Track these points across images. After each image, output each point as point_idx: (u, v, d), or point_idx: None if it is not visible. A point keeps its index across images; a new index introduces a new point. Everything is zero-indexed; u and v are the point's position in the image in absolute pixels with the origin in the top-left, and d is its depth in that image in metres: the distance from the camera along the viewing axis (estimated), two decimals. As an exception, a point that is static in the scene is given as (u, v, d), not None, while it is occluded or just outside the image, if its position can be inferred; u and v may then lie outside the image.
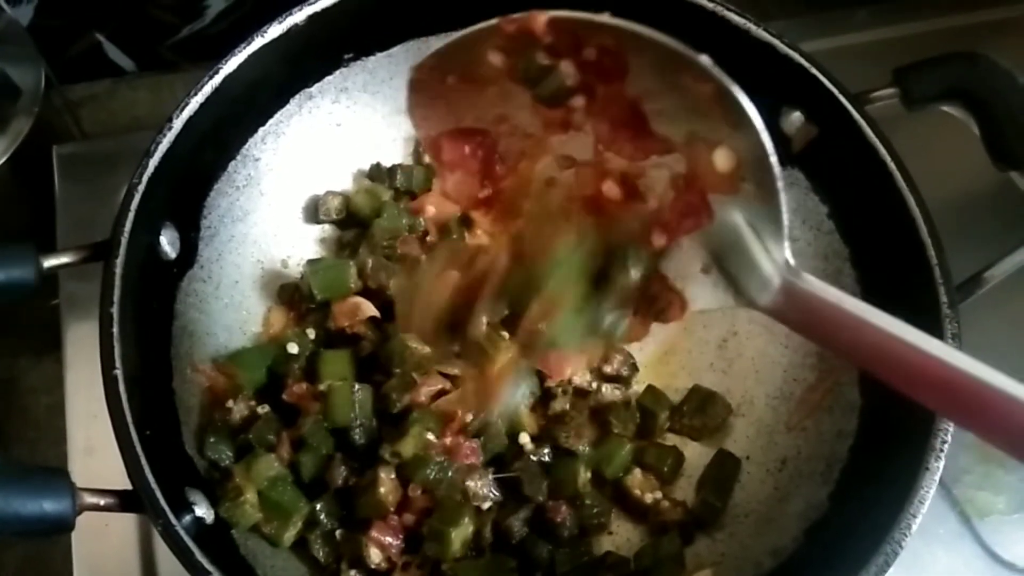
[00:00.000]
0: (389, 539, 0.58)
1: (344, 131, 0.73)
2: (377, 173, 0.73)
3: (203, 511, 0.53)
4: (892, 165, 0.62)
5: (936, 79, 0.66)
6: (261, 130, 0.68)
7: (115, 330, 0.52)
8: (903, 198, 0.61)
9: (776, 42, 0.66)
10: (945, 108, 0.66)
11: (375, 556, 0.58)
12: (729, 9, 0.67)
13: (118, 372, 0.51)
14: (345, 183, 0.74)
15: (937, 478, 0.53)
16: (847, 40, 0.94)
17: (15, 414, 0.85)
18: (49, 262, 0.54)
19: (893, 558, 0.51)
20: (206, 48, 0.97)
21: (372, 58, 0.72)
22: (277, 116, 0.69)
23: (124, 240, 0.55)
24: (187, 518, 0.51)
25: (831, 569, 0.54)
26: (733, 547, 0.63)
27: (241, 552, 0.55)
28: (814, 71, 0.65)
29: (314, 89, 0.70)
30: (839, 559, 0.54)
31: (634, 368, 0.71)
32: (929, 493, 0.52)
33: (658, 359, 0.72)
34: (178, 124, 0.59)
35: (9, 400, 0.86)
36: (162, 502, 0.48)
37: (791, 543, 0.60)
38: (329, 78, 0.71)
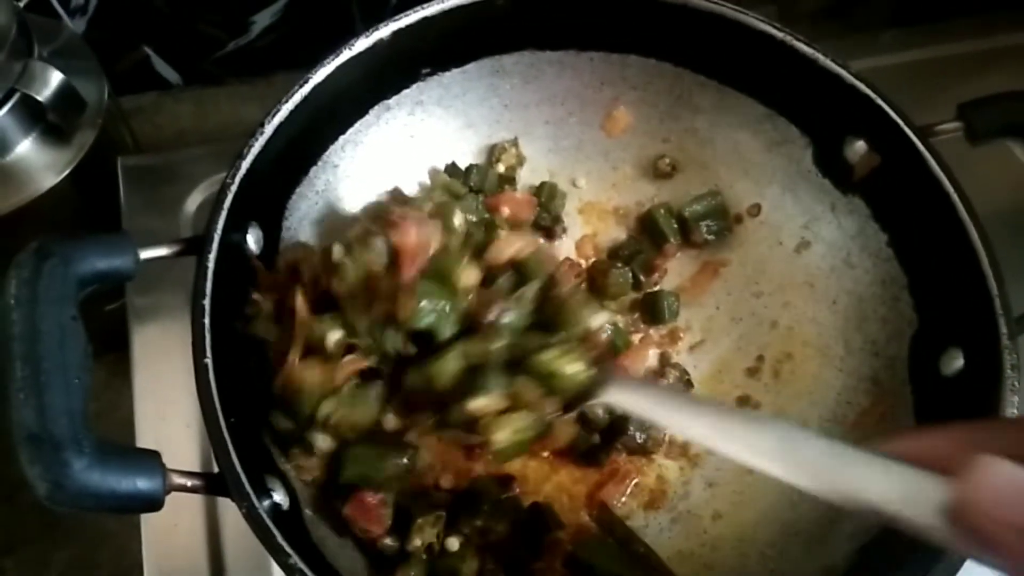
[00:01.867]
0: None
1: (417, 142, 0.76)
2: (454, 171, 0.76)
3: (280, 497, 0.55)
4: (955, 197, 0.63)
5: (999, 115, 0.67)
6: (341, 138, 0.71)
7: (207, 321, 0.55)
8: (965, 229, 0.62)
9: (843, 72, 0.68)
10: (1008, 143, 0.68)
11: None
12: (797, 39, 0.69)
13: (208, 361, 0.54)
14: (415, 191, 0.76)
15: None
16: (870, 63, 0.93)
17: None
18: (146, 254, 0.57)
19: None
20: (250, 63, 1.00)
21: (448, 74, 0.74)
22: (356, 125, 0.72)
23: (217, 236, 0.58)
24: (266, 503, 0.53)
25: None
26: (783, 564, 0.64)
27: (312, 539, 0.57)
28: (880, 102, 0.66)
29: (392, 101, 0.73)
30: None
31: (689, 384, 0.73)
32: (985, 518, 0.53)
33: (712, 376, 0.74)
34: (269, 129, 0.62)
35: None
36: (247, 485, 0.50)
37: (843, 562, 0.61)
38: (407, 91, 0.74)
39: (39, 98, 0.74)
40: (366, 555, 0.60)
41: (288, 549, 0.49)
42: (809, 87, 0.70)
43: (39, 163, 0.78)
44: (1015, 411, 0.57)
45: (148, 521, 0.71)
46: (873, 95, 0.67)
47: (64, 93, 0.75)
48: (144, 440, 0.74)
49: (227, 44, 0.99)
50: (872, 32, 1.00)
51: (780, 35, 0.69)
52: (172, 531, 0.71)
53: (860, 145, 0.70)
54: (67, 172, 0.78)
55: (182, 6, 0.95)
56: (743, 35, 0.70)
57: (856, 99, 0.67)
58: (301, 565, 0.49)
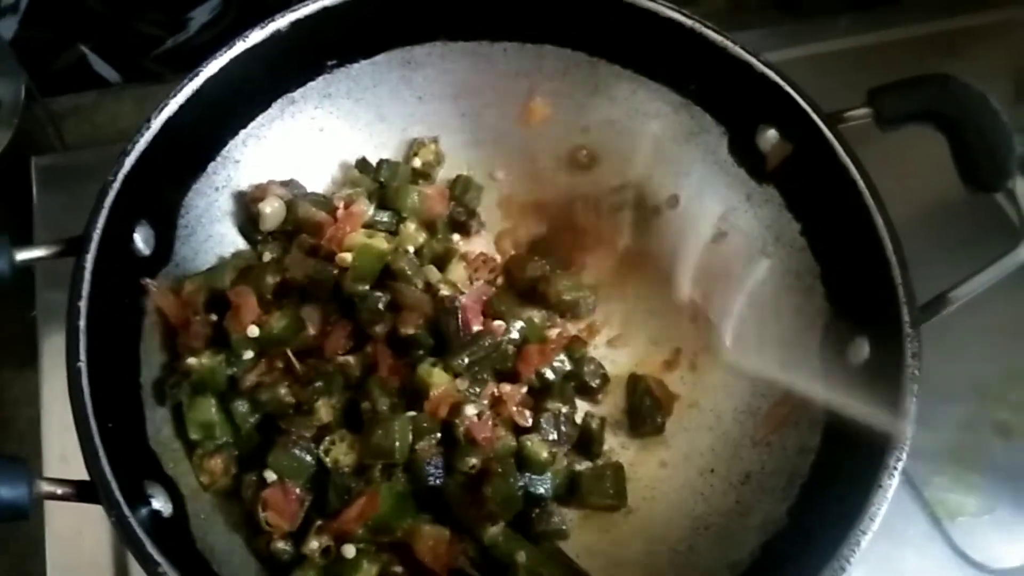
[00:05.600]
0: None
1: (326, 136, 0.74)
2: (364, 166, 0.74)
3: (161, 504, 0.54)
4: (862, 184, 0.62)
5: (909, 100, 0.66)
6: (242, 133, 0.70)
7: (82, 323, 0.53)
8: (871, 217, 0.61)
9: (753, 60, 0.67)
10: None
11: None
12: (707, 26, 0.68)
13: (82, 364, 0.52)
14: (326, 187, 0.75)
15: (890, 495, 0.53)
16: (826, 47, 0.94)
17: (-3, 426, 0.85)
18: (23, 255, 0.55)
19: (840, 574, 0.51)
20: (190, 59, 0.96)
21: (356, 65, 0.73)
22: (259, 119, 0.70)
23: (97, 236, 0.56)
24: (143, 511, 0.51)
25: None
26: (692, 559, 0.63)
27: (198, 546, 0.56)
28: (788, 89, 0.66)
29: (297, 94, 0.72)
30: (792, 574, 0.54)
31: (605, 379, 0.71)
32: (880, 511, 0.52)
33: (630, 370, 0.73)
34: (156, 124, 0.60)
35: (-9, 412, 0.86)
36: (117, 493, 0.49)
37: (748, 557, 0.60)
38: (312, 84, 0.72)
39: (-52, 99, 0.72)
40: (259, 560, 0.59)
41: (158, 558, 0.47)
42: (721, 76, 0.69)
43: (-49, 164, 0.76)
44: (914, 399, 0.56)
45: (52, 529, 0.69)
46: (782, 82, 0.66)
47: (-26, 94, 0.73)
48: (51, 448, 0.72)
49: (166, 41, 0.97)
50: (825, 17, 0.99)
51: (689, 23, 0.68)
52: (76, 539, 0.69)
53: (772, 134, 0.69)
54: (-20, 172, 0.76)
55: (118, 5, 0.93)
56: (654, 23, 0.69)
57: (766, 87, 0.67)
58: (172, 574, 0.47)
